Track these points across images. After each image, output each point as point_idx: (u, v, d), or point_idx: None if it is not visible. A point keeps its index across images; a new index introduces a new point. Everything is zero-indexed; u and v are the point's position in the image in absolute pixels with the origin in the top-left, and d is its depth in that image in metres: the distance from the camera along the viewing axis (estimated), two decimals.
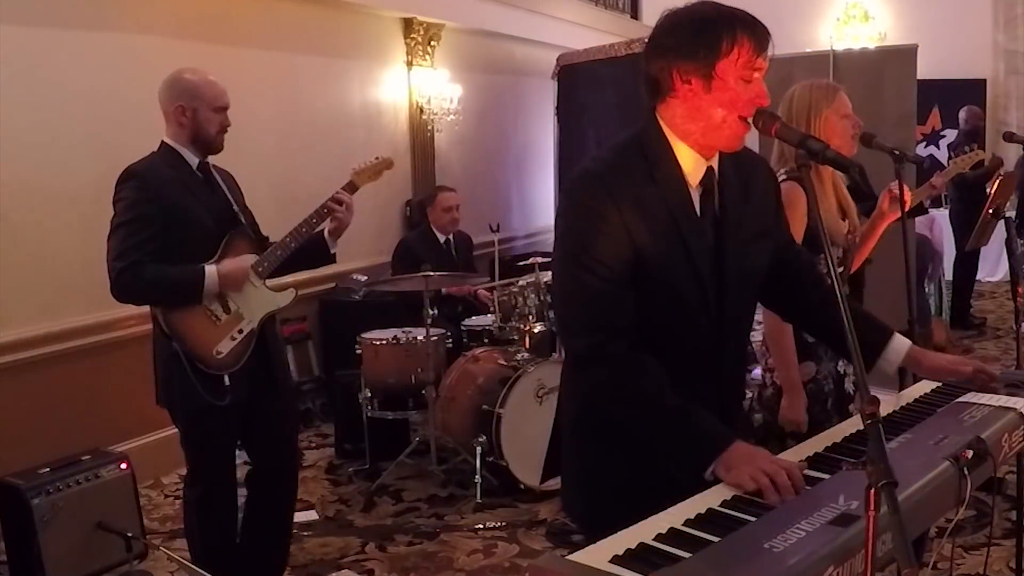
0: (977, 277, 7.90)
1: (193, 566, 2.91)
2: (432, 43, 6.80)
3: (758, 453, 1.60)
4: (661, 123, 1.79)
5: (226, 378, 2.92)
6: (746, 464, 1.57)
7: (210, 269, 2.89)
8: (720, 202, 1.81)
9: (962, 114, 7.90)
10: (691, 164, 1.79)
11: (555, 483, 4.27)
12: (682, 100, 1.74)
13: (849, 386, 2.84)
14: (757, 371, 2.90)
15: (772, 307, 2.18)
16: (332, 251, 3.18)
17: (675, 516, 1.44)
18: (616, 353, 1.74)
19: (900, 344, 1.96)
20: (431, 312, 4.48)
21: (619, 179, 1.75)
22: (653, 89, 1.78)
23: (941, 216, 7.65)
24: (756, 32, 1.70)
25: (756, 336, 2.63)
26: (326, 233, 3.13)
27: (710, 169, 1.80)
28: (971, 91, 9.38)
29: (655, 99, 1.79)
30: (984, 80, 9.88)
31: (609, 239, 1.72)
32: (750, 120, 1.71)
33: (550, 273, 5.10)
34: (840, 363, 2.83)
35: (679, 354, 1.80)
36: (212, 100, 2.95)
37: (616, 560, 1.30)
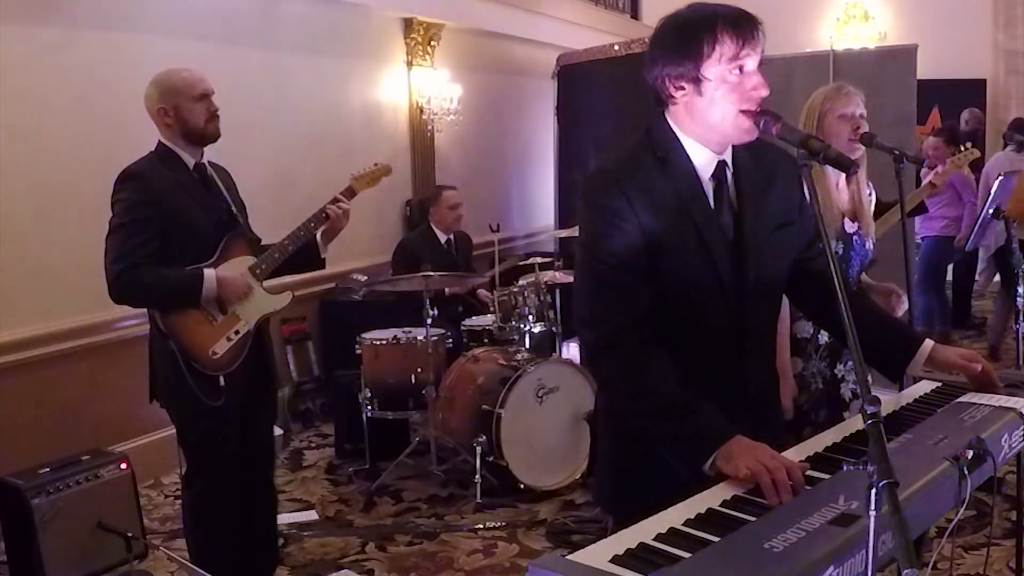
0: (976, 277, 7.88)
1: (193, 566, 2.91)
2: (432, 43, 6.80)
3: (760, 447, 1.60)
4: (670, 121, 1.82)
5: (221, 379, 2.93)
6: (746, 456, 1.57)
7: (209, 274, 2.89)
8: (737, 193, 1.83)
9: (964, 115, 7.89)
10: (702, 158, 1.81)
11: (555, 483, 4.33)
12: (681, 105, 1.78)
13: (847, 391, 2.85)
14: None
15: (794, 303, 2.18)
16: (323, 255, 3.19)
17: (675, 516, 1.44)
18: (625, 344, 1.76)
19: (924, 347, 1.97)
20: (431, 312, 4.48)
21: (630, 175, 1.78)
22: (656, 98, 1.83)
23: None
24: (738, 24, 1.70)
25: None
26: (319, 236, 3.14)
27: (722, 163, 1.82)
28: (971, 91, 9.34)
29: (660, 106, 1.83)
30: (984, 80, 9.84)
31: (620, 232, 1.75)
32: (755, 112, 1.72)
33: (548, 273, 5.17)
34: (839, 367, 2.83)
35: (700, 347, 1.81)
36: (189, 90, 2.93)
37: (616, 560, 1.30)
